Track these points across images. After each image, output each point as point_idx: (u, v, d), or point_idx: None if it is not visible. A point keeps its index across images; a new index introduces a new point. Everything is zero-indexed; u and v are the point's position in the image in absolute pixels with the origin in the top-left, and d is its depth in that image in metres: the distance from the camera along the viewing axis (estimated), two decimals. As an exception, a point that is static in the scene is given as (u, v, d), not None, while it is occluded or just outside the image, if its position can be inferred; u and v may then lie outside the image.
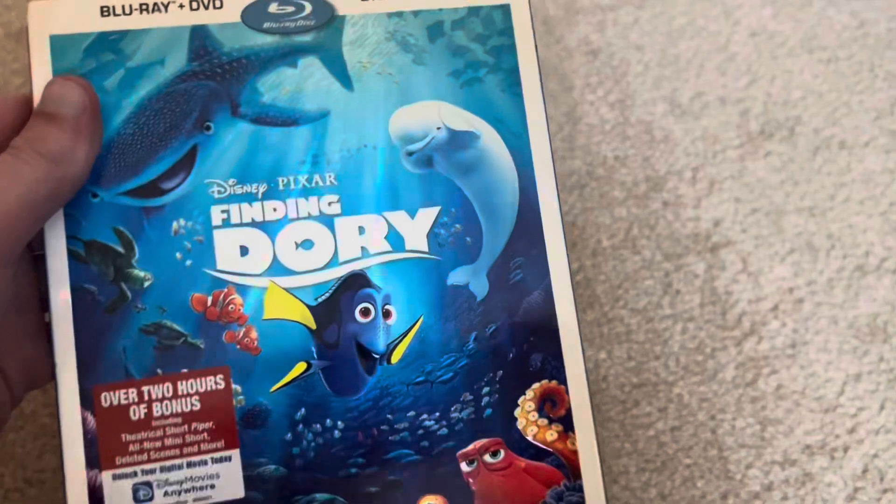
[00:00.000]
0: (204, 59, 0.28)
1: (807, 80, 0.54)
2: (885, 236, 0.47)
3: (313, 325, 0.27)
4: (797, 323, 0.44)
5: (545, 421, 0.28)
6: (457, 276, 0.28)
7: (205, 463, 0.26)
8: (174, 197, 0.27)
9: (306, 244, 0.28)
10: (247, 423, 0.26)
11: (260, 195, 0.27)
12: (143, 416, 0.26)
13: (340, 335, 0.27)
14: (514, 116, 0.29)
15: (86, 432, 0.25)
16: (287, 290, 0.27)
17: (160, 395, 0.26)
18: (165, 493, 0.25)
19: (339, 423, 0.27)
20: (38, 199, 0.24)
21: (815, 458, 0.40)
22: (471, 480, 0.27)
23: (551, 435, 0.28)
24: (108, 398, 0.25)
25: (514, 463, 0.27)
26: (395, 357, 0.27)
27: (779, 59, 0.55)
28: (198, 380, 0.26)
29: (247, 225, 0.27)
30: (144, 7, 0.27)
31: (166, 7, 0.27)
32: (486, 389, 0.28)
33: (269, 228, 0.27)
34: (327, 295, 0.27)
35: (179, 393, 0.26)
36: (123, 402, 0.26)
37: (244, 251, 0.27)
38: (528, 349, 0.28)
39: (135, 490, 0.25)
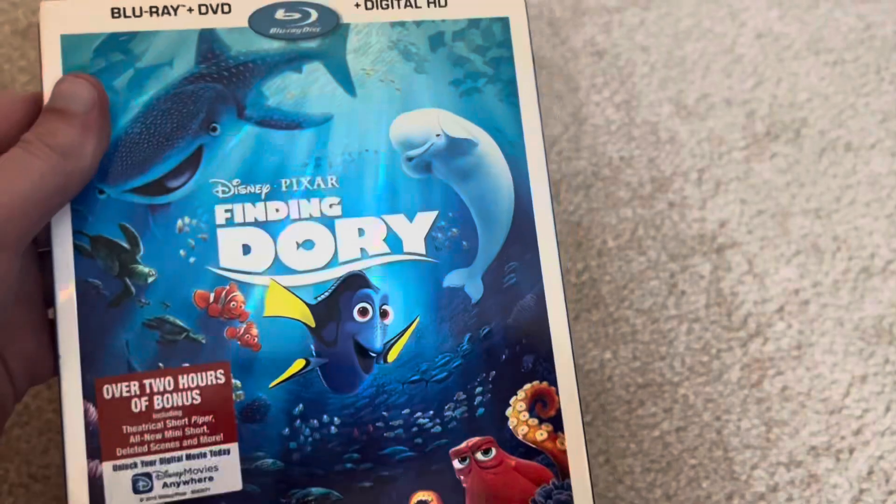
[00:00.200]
0: (211, 61, 0.28)
1: (813, 82, 0.54)
2: (890, 238, 0.47)
3: (312, 323, 0.28)
4: (803, 324, 0.44)
5: (536, 421, 0.29)
6: (453, 279, 0.29)
7: (204, 455, 0.26)
8: (179, 195, 0.28)
9: (307, 244, 0.28)
10: (246, 417, 0.27)
11: (263, 195, 0.28)
12: (144, 409, 0.26)
13: (339, 334, 0.28)
14: (510, 126, 0.30)
15: (87, 424, 0.26)
16: (288, 288, 0.28)
17: (161, 389, 0.26)
18: (164, 485, 0.26)
19: (336, 419, 0.27)
20: (47, 191, 0.25)
21: (820, 459, 0.40)
22: (462, 477, 0.28)
23: (541, 435, 0.29)
24: (110, 390, 0.26)
25: (505, 461, 0.28)
26: (392, 356, 0.28)
27: (785, 61, 0.55)
28: (198, 374, 0.26)
29: (250, 224, 0.28)
30: (154, 10, 0.28)
31: (176, 10, 0.28)
32: (479, 389, 0.28)
33: (271, 228, 0.28)
34: (327, 294, 0.28)
35: (180, 386, 0.26)
36: (125, 394, 0.26)
37: (247, 250, 0.28)
38: (520, 351, 0.29)
39: (134, 481, 0.26)
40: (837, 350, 0.43)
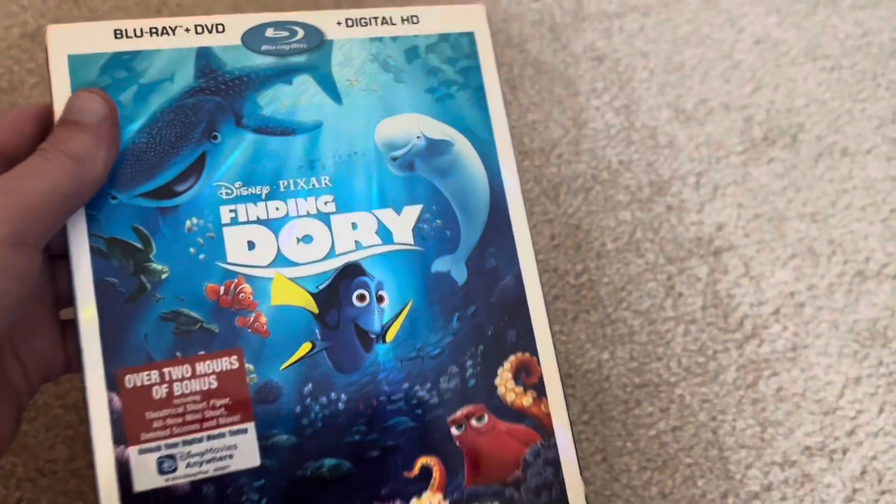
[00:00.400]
0: (209, 76, 0.30)
1: (810, 87, 0.55)
2: (885, 242, 0.48)
3: (316, 310, 0.30)
4: (798, 326, 0.44)
5: (521, 388, 0.32)
6: (439, 265, 0.32)
7: (223, 436, 0.28)
8: (186, 198, 0.30)
9: (306, 239, 0.30)
10: (260, 398, 0.28)
11: (264, 196, 0.30)
12: (164, 396, 0.28)
13: (340, 318, 0.30)
14: (481, 127, 0.34)
15: (112, 412, 0.27)
16: (291, 279, 0.30)
17: (180, 376, 0.28)
18: (188, 465, 0.27)
19: (343, 395, 0.29)
20: (63, 194, 0.26)
21: (814, 459, 0.40)
22: (460, 443, 0.30)
23: (527, 400, 0.32)
24: (131, 380, 0.27)
25: (497, 426, 0.31)
26: (390, 336, 0.30)
27: (783, 67, 0.56)
28: (214, 361, 0.28)
29: (253, 222, 0.30)
30: (154, 30, 0.30)
31: (174, 31, 0.30)
32: (469, 363, 0.31)
33: (272, 225, 0.30)
34: (327, 283, 0.30)
35: (198, 373, 0.28)
36: (146, 383, 0.28)
37: (251, 246, 0.30)
38: (503, 326, 0.32)
39: (159, 463, 0.27)
40: (832, 352, 0.44)
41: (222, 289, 0.29)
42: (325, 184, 0.31)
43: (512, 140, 0.35)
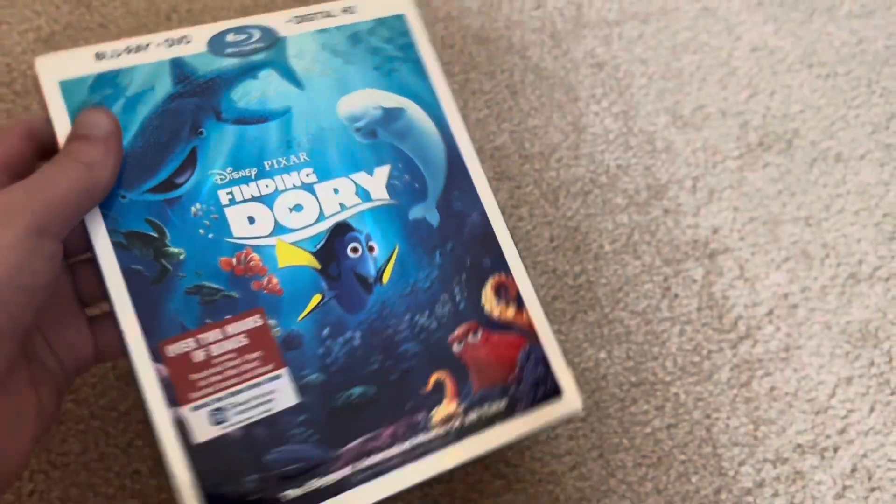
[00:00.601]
0: (185, 82, 0.34)
1: (805, 94, 0.56)
2: (878, 246, 0.49)
3: (318, 266, 0.34)
4: (791, 328, 0.45)
5: (504, 303, 0.36)
6: (415, 212, 0.36)
7: (261, 384, 0.31)
8: (187, 188, 0.33)
9: (297, 208, 0.34)
10: (287, 346, 0.32)
11: (253, 177, 0.34)
12: (203, 358, 0.31)
13: (341, 270, 0.34)
14: (426, 92, 0.38)
15: (161, 380, 0.30)
16: (292, 243, 0.34)
17: (213, 339, 0.31)
18: (236, 413, 0.31)
19: (357, 333, 0.33)
20: (78, 194, 0.30)
21: (805, 457, 0.41)
22: (461, 357, 0.35)
23: (510, 312, 0.36)
24: (172, 350, 0.31)
25: (490, 338, 0.35)
26: (385, 278, 0.35)
27: (779, 74, 0.57)
28: (240, 322, 0.32)
29: (248, 200, 0.34)
30: (130, 49, 0.33)
31: (147, 47, 0.33)
32: (457, 289, 0.36)
33: (266, 200, 0.34)
34: (323, 242, 0.34)
35: (228, 334, 0.32)
36: (185, 350, 0.31)
37: (251, 220, 0.33)
38: (478, 255, 0.37)
39: (211, 415, 0.31)
40: (824, 352, 0.45)
41: (234, 260, 0.33)
42: (304, 159, 0.35)
43: (454, 100, 0.39)
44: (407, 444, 0.33)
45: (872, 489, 0.40)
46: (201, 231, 0.32)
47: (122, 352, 0.31)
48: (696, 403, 0.43)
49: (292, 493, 0.31)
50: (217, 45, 0.35)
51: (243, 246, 0.33)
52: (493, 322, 0.36)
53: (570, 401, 0.35)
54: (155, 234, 0.32)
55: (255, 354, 0.32)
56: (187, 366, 0.31)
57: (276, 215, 0.34)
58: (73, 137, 0.31)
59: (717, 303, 0.46)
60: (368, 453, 0.32)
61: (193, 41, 0.34)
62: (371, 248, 0.35)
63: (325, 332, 0.33)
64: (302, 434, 0.31)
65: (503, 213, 0.47)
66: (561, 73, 0.56)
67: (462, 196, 0.37)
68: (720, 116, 0.54)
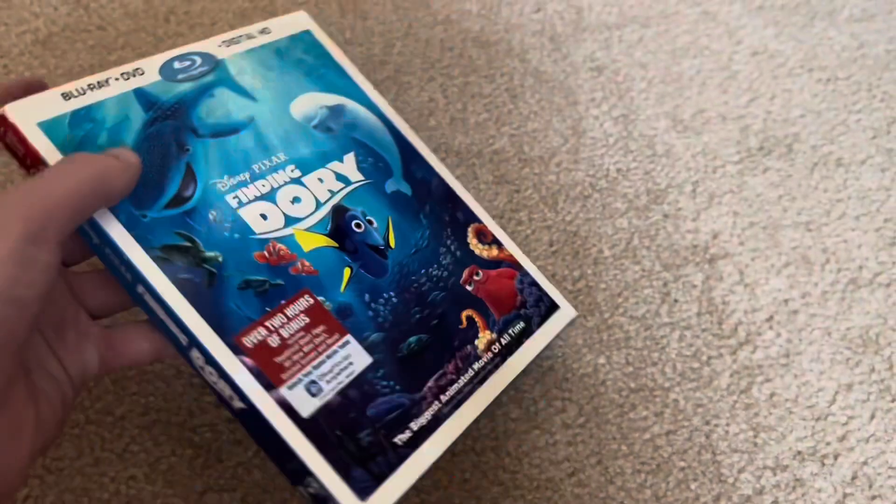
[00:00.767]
0: (154, 108, 0.36)
1: (806, 98, 0.56)
2: (878, 251, 0.48)
3: (336, 245, 0.37)
4: (791, 333, 0.45)
5: (486, 246, 0.42)
6: (390, 186, 0.40)
7: (336, 353, 0.34)
8: (197, 200, 0.35)
9: (296, 200, 0.37)
10: (342, 316, 0.35)
11: (248, 180, 0.36)
12: (279, 342, 0.33)
13: (355, 244, 0.38)
14: (353, 89, 0.43)
15: (250, 370, 0.32)
16: (306, 230, 0.37)
17: (280, 324, 0.34)
18: (327, 381, 0.33)
19: (391, 292, 0.37)
20: (83, 195, 0.29)
21: (806, 464, 0.41)
22: (477, 294, 0.40)
23: (494, 251, 0.42)
24: (249, 341, 0.33)
25: (490, 274, 0.41)
26: (392, 244, 0.39)
27: (779, 79, 0.57)
28: (294, 304, 0.34)
29: (254, 200, 0.36)
30: (92, 86, 0.34)
31: (107, 82, 0.35)
32: (447, 241, 0.41)
33: (268, 198, 0.36)
34: (331, 224, 0.37)
35: (290, 316, 0.34)
36: (260, 338, 0.33)
37: (264, 217, 0.36)
38: (452, 210, 0.42)
39: (307, 388, 0.33)
40: (824, 359, 0.44)
41: (266, 253, 0.35)
42: (283, 159, 0.38)
43: (374, 89, 0.45)
44: (470, 372, 0.37)
45: (873, 497, 0.40)
46: (226, 234, 0.34)
47: (100, 372, 0.31)
48: (696, 410, 0.43)
49: (401, 437, 0.34)
50: (168, 72, 0.37)
51: (267, 240, 0.35)
52: (486, 262, 0.41)
53: (567, 311, 0.42)
54: (188, 244, 0.33)
55: (320, 328, 0.34)
56: (268, 351, 0.33)
57: (282, 209, 0.36)
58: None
59: (716, 308, 0.46)
60: (444, 388, 0.36)
61: (146, 72, 0.36)
62: (370, 222, 0.38)
63: (367, 297, 0.36)
64: (387, 386, 0.35)
65: (502, 217, 0.48)
66: (560, 76, 0.56)
67: (418, 167, 0.42)
68: (720, 121, 0.54)
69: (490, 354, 0.38)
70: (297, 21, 0.43)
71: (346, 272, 0.37)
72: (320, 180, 0.38)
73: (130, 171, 0.31)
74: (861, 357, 0.44)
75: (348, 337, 0.35)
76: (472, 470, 0.40)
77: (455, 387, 0.36)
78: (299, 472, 0.32)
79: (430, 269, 0.39)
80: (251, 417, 0.32)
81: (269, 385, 0.32)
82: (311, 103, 0.40)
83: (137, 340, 0.34)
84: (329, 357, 0.34)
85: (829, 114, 0.55)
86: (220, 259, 0.34)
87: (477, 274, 0.40)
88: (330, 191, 0.38)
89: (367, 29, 0.57)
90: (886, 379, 0.44)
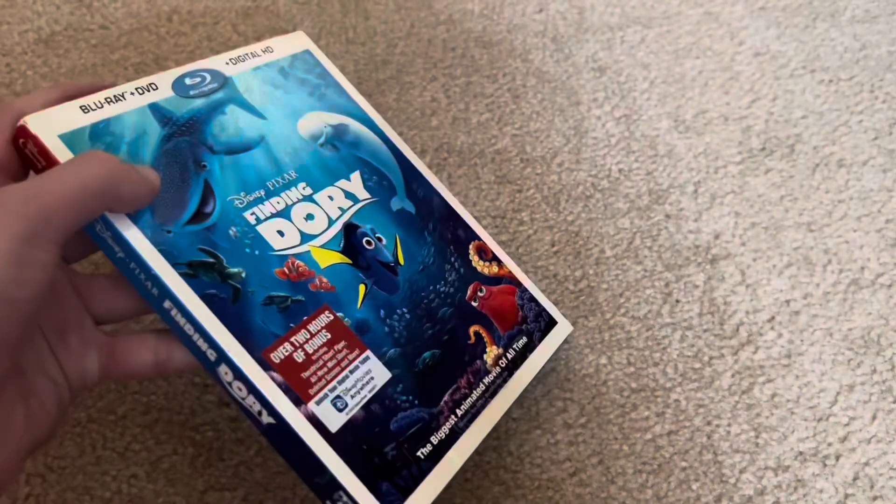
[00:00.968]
0: (170, 124, 0.36)
1: (808, 99, 0.56)
2: (880, 252, 0.48)
3: (350, 261, 0.37)
4: (793, 334, 0.45)
5: (487, 262, 0.42)
6: (395, 204, 0.41)
7: (357, 368, 0.35)
8: (217, 216, 0.34)
9: (310, 217, 0.37)
10: (360, 332, 0.36)
11: (264, 197, 0.36)
12: (303, 358, 0.33)
13: (368, 261, 0.38)
14: (354, 108, 0.43)
15: (278, 385, 0.32)
16: (321, 247, 0.37)
17: (303, 340, 0.34)
18: (350, 397, 0.34)
19: (404, 308, 0.38)
20: (89, 194, 0.28)
21: (807, 464, 0.41)
22: (482, 310, 0.40)
23: (495, 268, 0.42)
24: (276, 356, 0.33)
25: (492, 291, 0.41)
26: (401, 261, 0.39)
27: (781, 80, 0.57)
28: (316, 320, 0.35)
29: (271, 217, 0.36)
30: (109, 100, 0.34)
31: (123, 96, 0.35)
32: (451, 258, 0.41)
33: (284, 215, 0.37)
34: (343, 241, 0.38)
35: (312, 332, 0.34)
36: (286, 353, 0.33)
37: (281, 234, 0.36)
38: (454, 228, 0.42)
39: (333, 404, 0.33)
40: (826, 359, 0.44)
41: (286, 269, 0.35)
42: (294, 176, 0.38)
43: (373, 109, 0.45)
44: (481, 387, 0.38)
45: (874, 498, 0.40)
46: (247, 250, 0.34)
47: (100, 380, 0.31)
48: (697, 410, 0.43)
49: (423, 451, 0.34)
50: (180, 88, 0.37)
51: (286, 257, 0.35)
52: (488, 278, 0.42)
53: (565, 326, 0.43)
54: (213, 260, 0.33)
55: (341, 344, 0.35)
56: (294, 367, 0.33)
57: (297, 226, 0.37)
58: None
59: (718, 309, 0.46)
60: (459, 403, 0.37)
61: (160, 87, 0.36)
62: (380, 240, 0.39)
63: (382, 313, 0.37)
64: (406, 401, 0.35)
65: (504, 216, 0.48)
66: (563, 76, 0.56)
67: (420, 185, 0.42)
68: (722, 121, 0.54)
69: (498, 369, 0.39)
70: (297, 41, 0.44)
71: (362, 289, 0.37)
72: (330, 198, 0.39)
73: (145, 184, 0.31)
74: (863, 358, 0.44)
75: (368, 353, 0.35)
76: (474, 469, 0.40)
77: (469, 401, 0.37)
78: (329, 487, 0.32)
79: (438, 286, 0.39)
80: (280, 432, 0.32)
81: (298, 400, 0.32)
82: (316, 122, 0.41)
83: (140, 352, 0.33)
84: (352, 372, 0.34)
85: (831, 115, 0.55)
86: (244, 275, 0.34)
87: (480, 290, 0.41)
88: (340, 208, 0.39)
89: (369, 28, 0.57)
90: (888, 380, 0.44)
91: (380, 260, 0.38)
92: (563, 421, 0.42)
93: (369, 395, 0.34)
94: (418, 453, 0.34)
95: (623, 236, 0.49)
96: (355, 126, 0.42)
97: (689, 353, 0.44)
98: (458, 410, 0.36)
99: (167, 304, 0.32)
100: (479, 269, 0.42)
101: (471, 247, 0.42)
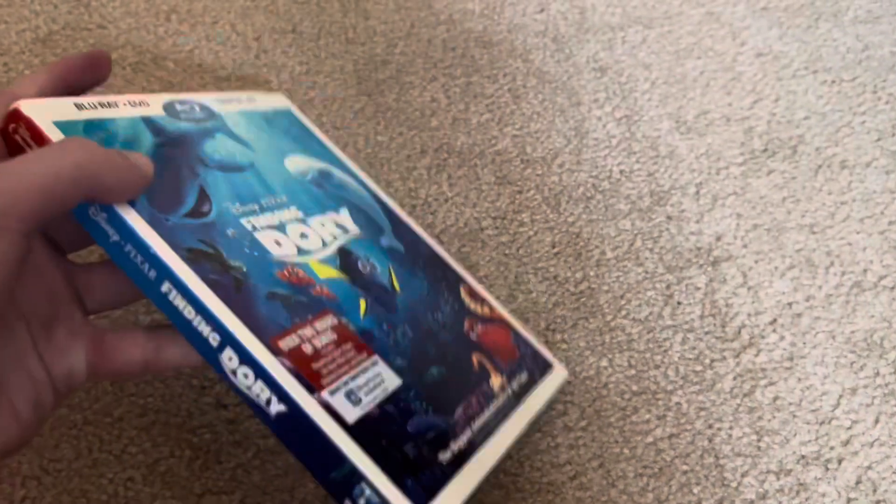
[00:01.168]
0: (163, 135, 0.35)
1: (810, 100, 0.55)
2: (883, 254, 0.48)
3: (348, 278, 0.36)
4: (795, 336, 0.45)
5: (479, 304, 0.42)
6: (384, 241, 0.41)
7: (367, 369, 0.33)
8: (214, 216, 0.34)
9: (304, 235, 0.37)
10: (365, 339, 0.34)
11: (258, 211, 0.36)
12: (313, 350, 0.32)
13: (365, 281, 0.37)
14: (332, 158, 0.44)
15: (290, 371, 0.30)
16: (319, 261, 0.36)
17: (312, 334, 0.32)
18: (365, 393, 0.32)
19: (406, 326, 0.37)
20: (63, 182, 0.26)
21: (809, 468, 0.41)
22: (481, 343, 0.39)
23: (487, 310, 0.42)
24: (285, 344, 0.31)
25: (487, 328, 0.40)
26: (397, 287, 0.38)
27: (783, 80, 0.56)
28: (321, 320, 0.33)
29: (267, 228, 0.35)
30: (102, 104, 0.34)
31: (116, 104, 0.34)
32: (444, 294, 0.41)
33: (280, 229, 0.36)
34: (339, 261, 0.37)
35: (319, 330, 0.33)
36: (294, 343, 0.31)
37: (279, 244, 0.35)
38: (440, 271, 0.42)
39: (348, 396, 0.31)
40: (829, 362, 0.44)
41: (287, 272, 0.34)
42: (285, 200, 0.38)
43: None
44: (492, 408, 0.36)
45: (877, 502, 0.40)
46: (247, 250, 0.33)
47: (89, 380, 0.30)
48: (699, 413, 0.42)
49: (444, 456, 0.32)
50: (171, 110, 0.37)
51: (285, 263, 0.34)
52: (482, 317, 0.41)
53: (560, 371, 0.41)
54: (212, 252, 0.32)
55: (348, 346, 0.33)
56: (304, 357, 0.31)
57: (293, 241, 0.36)
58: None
59: (720, 311, 0.46)
60: (472, 418, 0.35)
61: (151, 105, 0.36)
62: (373, 266, 0.38)
63: (385, 326, 0.36)
64: (421, 406, 0.34)
65: (504, 218, 0.48)
66: (563, 77, 0.56)
67: (406, 232, 0.42)
68: (724, 122, 0.54)
69: (504, 396, 0.37)
70: (277, 99, 0.45)
71: (362, 303, 0.36)
72: (322, 224, 0.38)
73: (134, 171, 0.29)
74: (865, 361, 0.44)
75: (376, 357, 0.34)
76: (473, 473, 0.40)
77: (482, 418, 0.35)
78: (348, 481, 0.29)
79: (436, 314, 0.38)
80: (292, 422, 0.29)
81: (311, 388, 0.30)
82: (302, 163, 0.41)
83: (130, 348, 0.32)
84: (363, 372, 0.33)
85: (833, 116, 0.54)
86: (245, 270, 0.32)
87: (475, 326, 0.40)
88: (332, 235, 0.38)
89: (368, 28, 0.56)
90: (891, 383, 0.43)
91: (375, 282, 0.37)
92: (564, 424, 0.42)
93: (382, 396, 0.32)
94: (440, 458, 0.32)
95: (624, 238, 0.49)
96: (339, 173, 0.43)
97: (690, 356, 0.44)
98: (473, 424, 0.35)
99: (165, 286, 0.30)
100: (471, 308, 0.41)
101: (461, 287, 0.42)
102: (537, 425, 0.42)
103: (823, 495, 0.40)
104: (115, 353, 0.32)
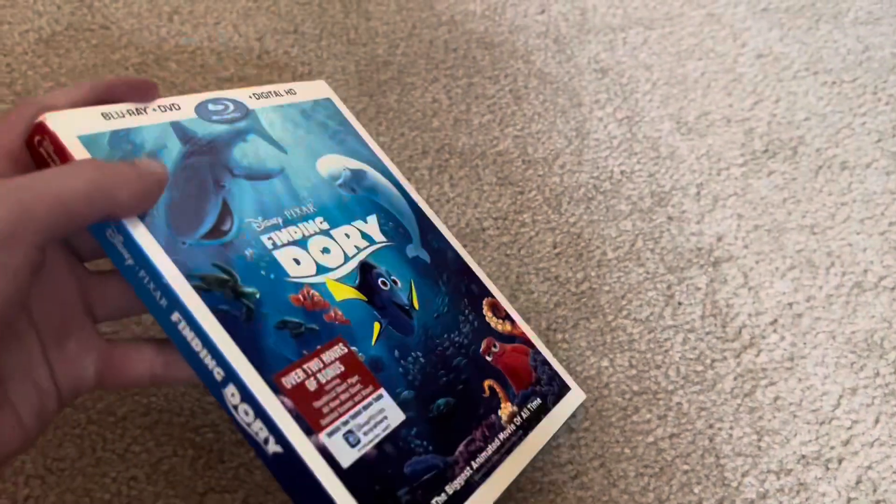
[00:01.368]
0: (191, 142, 0.35)
1: (811, 101, 0.55)
2: (883, 255, 0.48)
3: (365, 298, 0.36)
4: (796, 337, 0.45)
5: (501, 320, 0.41)
6: (410, 251, 0.40)
7: (370, 405, 0.33)
8: (234, 235, 0.33)
9: (325, 250, 0.36)
10: (374, 370, 0.34)
11: (281, 225, 0.35)
12: (316, 386, 0.31)
13: (383, 300, 0.37)
14: (372, 157, 0.43)
15: (289, 411, 0.30)
16: (337, 280, 0.36)
17: (317, 368, 0.32)
18: (364, 433, 0.32)
19: (419, 352, 0.36)
20: (78, 200, 0.26)
21: (810, 468, 0.41)
22: (496, 365, 0.39)
23: (508, 327, 0.41)
24: (288, 381, 0.31)
25: (506, 348, 0.40)
26: (416, 305, 0.38)
27: (784, 81, 0.56)
28: (330, 350, 0.33)
29: (287, 245, 0.35)
30: (131, 111, 0.33)
31: (145, 110, 0.34)
32: (466, 311, 0.40)
33: (301, 244, 0.36)
34: (359, 279, 0.37)
35: (326, 362, 0.32)
36: (298, 380, 0.31)
37: (297, 262, 0.35)
38: (467, 283, 0.41)
39: (346, 438, 0.31)
40: (829, 362, 0.44)
41: (301, 297, 0.34)
42: (312, 209, 0.37)
43: (389, 158, 0.47)
44: (497, 442, 0.36)
45: (877, 502, 0.40)
46: (262, 272, 0.33)
47: (97, 386, 0.30)
48: (699, 413, 0.42)
49: (438, 499, 0.32)
50: (203, 112, 0.36)
51: (302, 284, 0.34)
52: (502, 335, 0.40)
53: (578, 393, 0.41)
54: (227, 277, 0.32)
55: (355, 378, 0.33)
56: (307, 395, 0.31)
57: (313, 257, 0.35)
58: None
59: (720, 311, 0.46)
60: (474, 455, 0.35)
61: (183, 108, 0.35)
62: (395, 282, 0.38)
63: (396, 353, 0.35)
64: (420, 445, 0.33)
65: (506, 218, 0.48)
66: (565, 78, 0.56)
67: (434, 238, 0.42)
68: (725, 123, 0.54)
69: (513, 426, 0.37)
70: (319, 89, 0.43)
71: (376, 327, 0.35)
72: (347, 235, 0.38)
73: (148, 179, 0.29)
74: (866, 361, 0.44)
75: (382, 391, 0.33)
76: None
77: (484, 455, 0.35)
78: None
79: (452, 335, 0.38)
80: (287, 464, 0.30)
81: (309, 430, 0.30)
82: (335, 163, 0.40)
83: (138, 363, 0.32)
84: (365, 408, 0.32)
85: (833, 117, 0.55)
86: (258, 296, 0.32)
87: (494, 346, 0.39)
88: (356, 247, 0.37)
89: (370, 29, 0.57)
90: (891, 383, 0.44)
91: (395, 301, 0.37)
92: (565, 424, 0.42)
93: (383, 435, 0.32)
94: (433, 501, 0.32)
95: (625, 238, 0.49)
96: (373, 173, 0.42)
97: (691, 356, 0.44)
98: (473, 463, 0.35)
99: (175, 316, 0.30)
100: (492, 324, 0.40)
101: (484, 302, 0.41)
102: (549, 447, 0.42)
103: (824, 495, 0.40)
104: (124, 367, 0.32)
